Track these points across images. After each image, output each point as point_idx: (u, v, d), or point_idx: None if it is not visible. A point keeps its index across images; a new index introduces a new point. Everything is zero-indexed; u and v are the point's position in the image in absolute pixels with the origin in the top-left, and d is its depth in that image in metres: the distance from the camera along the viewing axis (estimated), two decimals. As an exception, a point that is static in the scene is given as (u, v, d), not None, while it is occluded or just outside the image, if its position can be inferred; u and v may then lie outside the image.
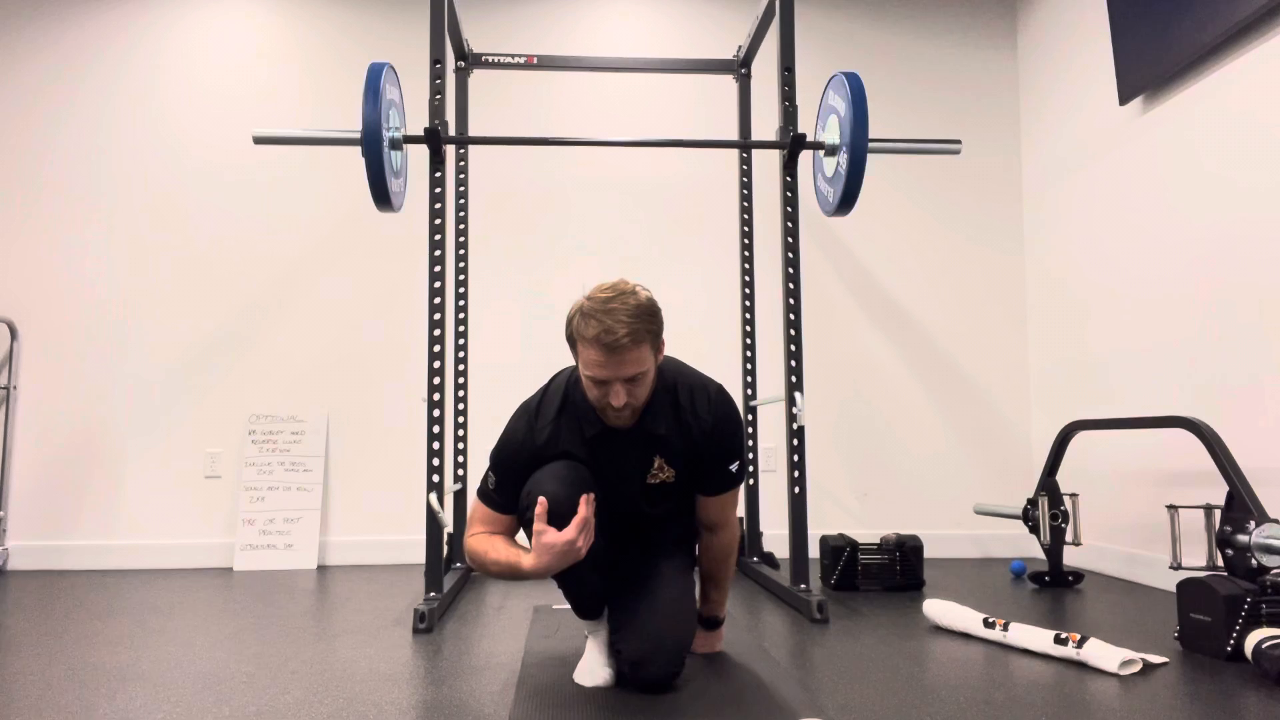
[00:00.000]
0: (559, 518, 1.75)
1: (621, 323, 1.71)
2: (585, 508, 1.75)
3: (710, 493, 1.98)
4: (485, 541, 1.90)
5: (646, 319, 1.75)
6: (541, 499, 1.75)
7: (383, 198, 2.70)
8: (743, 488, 3.50)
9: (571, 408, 1.90)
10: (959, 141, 3.03)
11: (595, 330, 1.71)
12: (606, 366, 1.74)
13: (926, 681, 1.91)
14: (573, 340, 1.81)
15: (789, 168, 2.83)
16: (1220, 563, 2.30)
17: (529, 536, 1.83)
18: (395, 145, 2.77)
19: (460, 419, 3.53)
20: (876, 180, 3.63)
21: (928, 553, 3.20)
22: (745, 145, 3.61)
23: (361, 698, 1.81)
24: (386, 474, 3.78)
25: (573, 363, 1.92)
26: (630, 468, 1.92)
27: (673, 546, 2.06)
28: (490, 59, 3.57)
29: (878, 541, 3.11)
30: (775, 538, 3.31)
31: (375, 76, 2.60)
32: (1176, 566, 2.50)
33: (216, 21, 3.98)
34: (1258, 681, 1.87)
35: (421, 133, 2.75)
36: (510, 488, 1.89)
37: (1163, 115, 3.09)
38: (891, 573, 3.07)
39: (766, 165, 3.58)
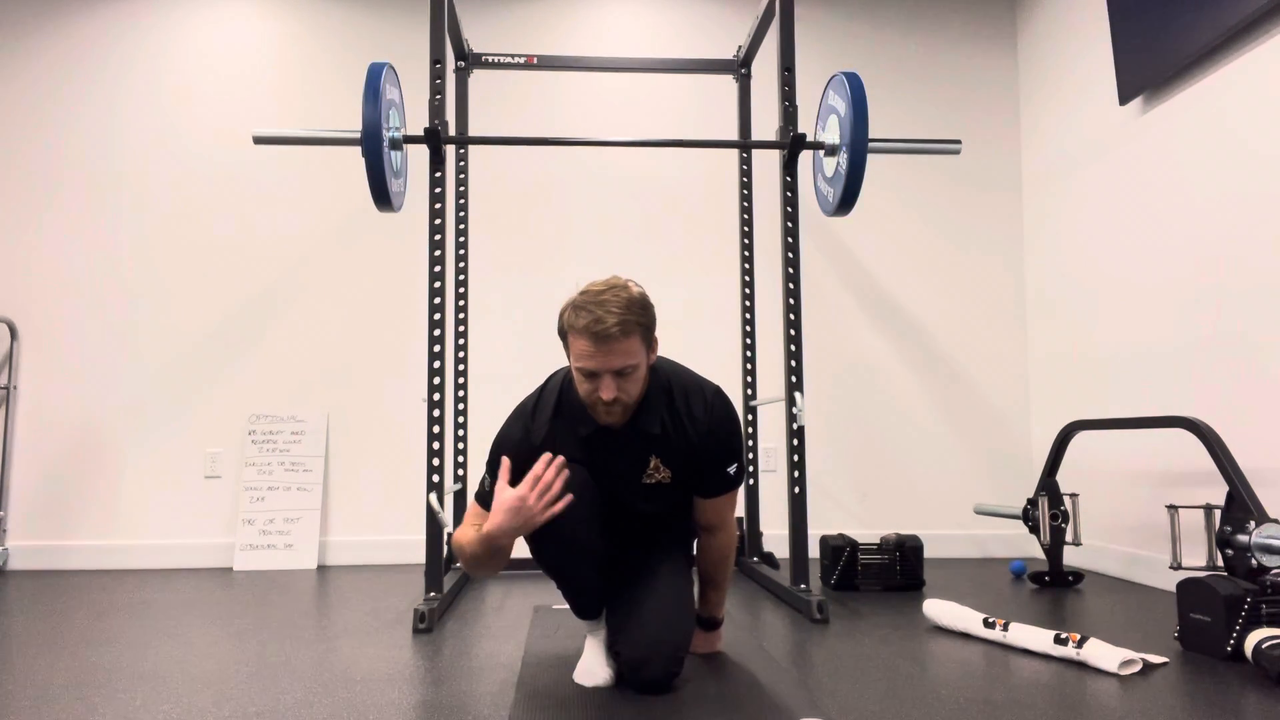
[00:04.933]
0: (555, 519, 1.75)
1: (612, 313, 1.72)
2: (542, 466, 1.73)
3: (708, 495, 1.98)
4: (465, 533, 1.86)
5: (638, 311, 1.77)
6: (505, 459, 1.78)
7: (383, 198, 2.70)
8: (743, 488, 3.51)
9: (567, 408, 1.90)
10: (959, 141, 3.02)
11: (585, 320, 1.73)
12: (595, 357, 1.74)
13: (926, 681, 1.91)
14: (564, 334, 1.81)
15: (789, 168, 2.83)
16: (1220, 563, 2.30)
17: (525, 537, 1.83)
18: (395, 145, 2.77)
19: (460, 419, 3.53)
20: (877, 180, 3.62)
21: (928, 553, 3.19)
22: (745, 145, 3.61)
23: (361, 698, 1.81)
24: (386, 474, 3.78)
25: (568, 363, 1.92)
26: (626, 467, 1.91)
27: (671, 547, 2.06)
28: (490, 59, 3.57)
29: (878, 541, 3.11)
30: (775, 538, 3.31)
31: (375, 76, 2.60)
32: (1176, 566, 2.49)
33: (215, 22, 3.98)
34: (1258, 681, 1.87)
35: (421, 133, 2.75)
36: None
37: (1163, 115, 3.09)
38: (891, 573, 3.07)
39: (766, 165, 3.58)
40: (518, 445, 1.89)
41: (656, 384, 1.89)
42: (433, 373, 2.70)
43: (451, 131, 3.12)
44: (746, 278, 3.64)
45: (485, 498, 1.91)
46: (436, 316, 2.71)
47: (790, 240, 2.79)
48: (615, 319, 1.72)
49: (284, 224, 3.91)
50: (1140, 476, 3.18)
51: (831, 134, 2.88)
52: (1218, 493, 2.37)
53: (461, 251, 3.58)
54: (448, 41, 2.90)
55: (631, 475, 1.92)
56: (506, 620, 2.59)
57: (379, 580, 3.34)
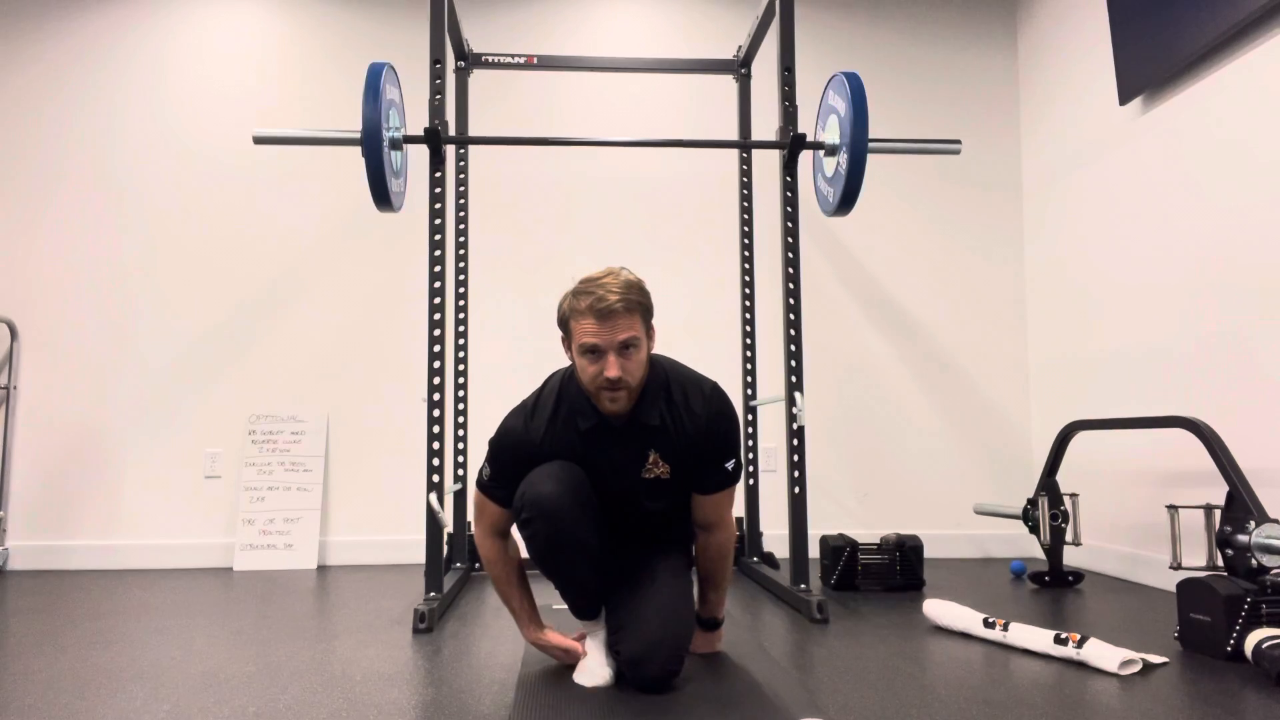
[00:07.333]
0: (551, 517, 1.80)
1: (613, 292, 1.79)
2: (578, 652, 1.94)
3: (706, 491, 1.98)
4: (503, 566, 1.99)
5: (637, 292, 1.84)
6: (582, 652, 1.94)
7: (383, 198, 2.70)
8: (743, 488, 3.51)
9: (567, 404, 1.91)
10: (959, 141, 3.02)
11: (588, 300, 1.79)
12: (600, 334, 1.78)
13: (926, 681, 1.91)
14: (565, 322, 1.86)
15: (789, 168, 2.83)
16: (1220, 563, 2.30)
17: (522, 536, 1.88)
18: (395, 145, 2.77)
19: (460, 419, 3.53)
20: (877, 180, 3.63)
21: (928, 553, 3.19)
22: (745, 145, 3.61)
23: (361, 698, 1.81)
24: (387, 474, 3.78)
25: (568, 363, 1.93)
26: (625, 462, 1.92)
27: (670, 546, 2.07)
28: (490, 59, 3.57)
29: (878, 541, 3.11)
30: (775, 538, 3.31)
31: (375, 76, 2.60)
32: (1176, 566, 2.49)
33: (216, 22, 3.98)
34: (1258, 681, 1.87)
35: (421, 133, 2.75)
36: (507, 483, 1.91)
37: (1163, 115, 3.09)
38: (891, 573, 3.07)
39: (766, 165, 3.58)
40: (518, 439, 1.91)
41: (655, 378, 1.91)
42: (433, 373, 2.70)
43: (451, 131, 3.12)
44: (746, 278, 3.64)
45: (486, 487, 1.96)
46: (436, 316, 2.71)
47: (790, 240, 2.79)
48: (617, 296, 1.78)
49: (284, 224, 3.91)
50: (1140, 476, 3.18)
51: (831, 134, 2.88)
52: (1218, 493, 2.37)
53: (461, 251, 3.58)
54: (448, 41, 2.90)
55: (630, 470, 1.93)
56: (506, 620, 2.59)
57: (379, 580, 3.34)
